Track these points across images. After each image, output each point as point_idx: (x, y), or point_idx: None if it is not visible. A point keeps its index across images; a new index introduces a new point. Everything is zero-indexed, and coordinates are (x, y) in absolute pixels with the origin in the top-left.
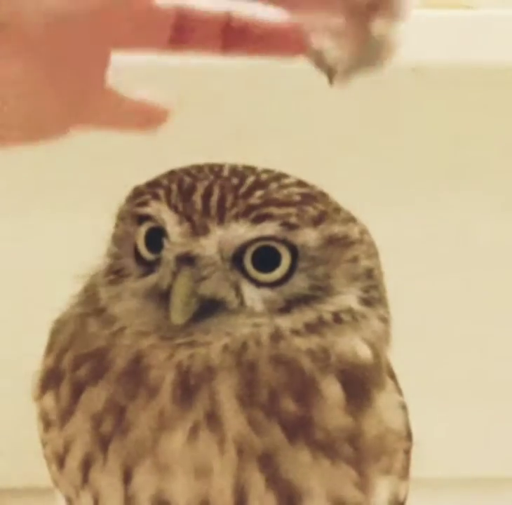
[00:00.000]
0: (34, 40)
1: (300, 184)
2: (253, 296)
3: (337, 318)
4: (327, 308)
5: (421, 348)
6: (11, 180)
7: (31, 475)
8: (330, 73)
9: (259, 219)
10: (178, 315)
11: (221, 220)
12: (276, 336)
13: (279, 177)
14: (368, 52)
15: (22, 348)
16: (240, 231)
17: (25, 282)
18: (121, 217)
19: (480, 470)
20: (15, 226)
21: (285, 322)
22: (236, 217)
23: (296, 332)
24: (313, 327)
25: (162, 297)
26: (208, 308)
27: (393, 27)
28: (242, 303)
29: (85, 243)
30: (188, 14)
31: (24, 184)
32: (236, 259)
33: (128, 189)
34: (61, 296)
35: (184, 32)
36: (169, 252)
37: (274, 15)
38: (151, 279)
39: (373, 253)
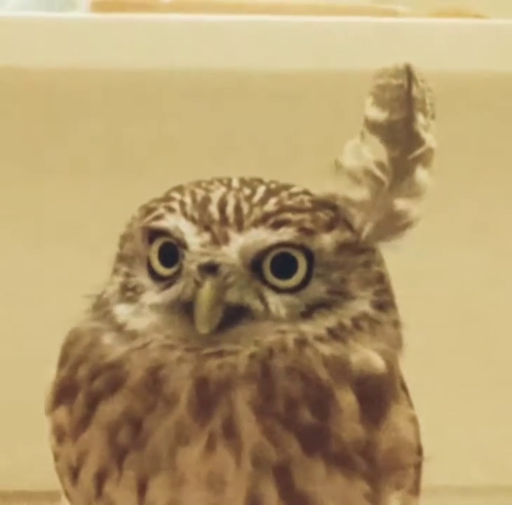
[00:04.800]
0: None
1: (307, 192)
2: (276, 301)
3: (355, 323)
4: (346, 313)
5: (430, 359)
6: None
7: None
8: (358, 235)
9: (277, 225)
10: (204, 324)
11: (240, 228)
12: (301, 342)
13: (287, 186)
14: (389, 226)
15: (33, 360)
16: (261, 237)
17: (37, 295)
18: (128, 237)
19: (488, 480)
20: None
21: (308, 328)
22: (255, 224)
23: (319, 338)
24: (335, 333)
25: (185, 308)
26: (233, 316)
27: (415, 206)
28: (266, 309)
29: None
30: None
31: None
32: (256, 266)
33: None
34: (72, 309)
35: None
36: (190, 263)
37: None
38: (171, 292)
39: (382, 259)
